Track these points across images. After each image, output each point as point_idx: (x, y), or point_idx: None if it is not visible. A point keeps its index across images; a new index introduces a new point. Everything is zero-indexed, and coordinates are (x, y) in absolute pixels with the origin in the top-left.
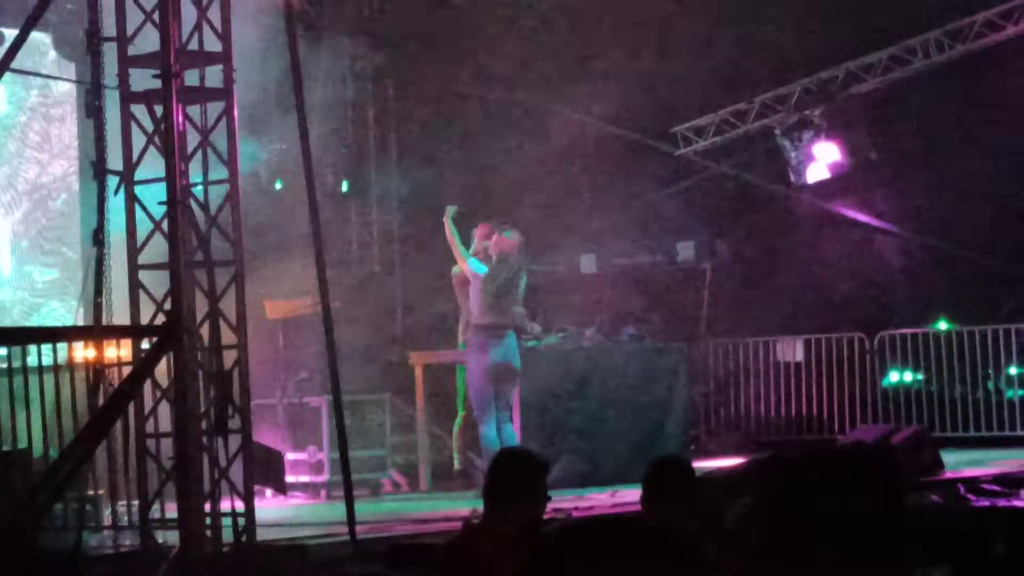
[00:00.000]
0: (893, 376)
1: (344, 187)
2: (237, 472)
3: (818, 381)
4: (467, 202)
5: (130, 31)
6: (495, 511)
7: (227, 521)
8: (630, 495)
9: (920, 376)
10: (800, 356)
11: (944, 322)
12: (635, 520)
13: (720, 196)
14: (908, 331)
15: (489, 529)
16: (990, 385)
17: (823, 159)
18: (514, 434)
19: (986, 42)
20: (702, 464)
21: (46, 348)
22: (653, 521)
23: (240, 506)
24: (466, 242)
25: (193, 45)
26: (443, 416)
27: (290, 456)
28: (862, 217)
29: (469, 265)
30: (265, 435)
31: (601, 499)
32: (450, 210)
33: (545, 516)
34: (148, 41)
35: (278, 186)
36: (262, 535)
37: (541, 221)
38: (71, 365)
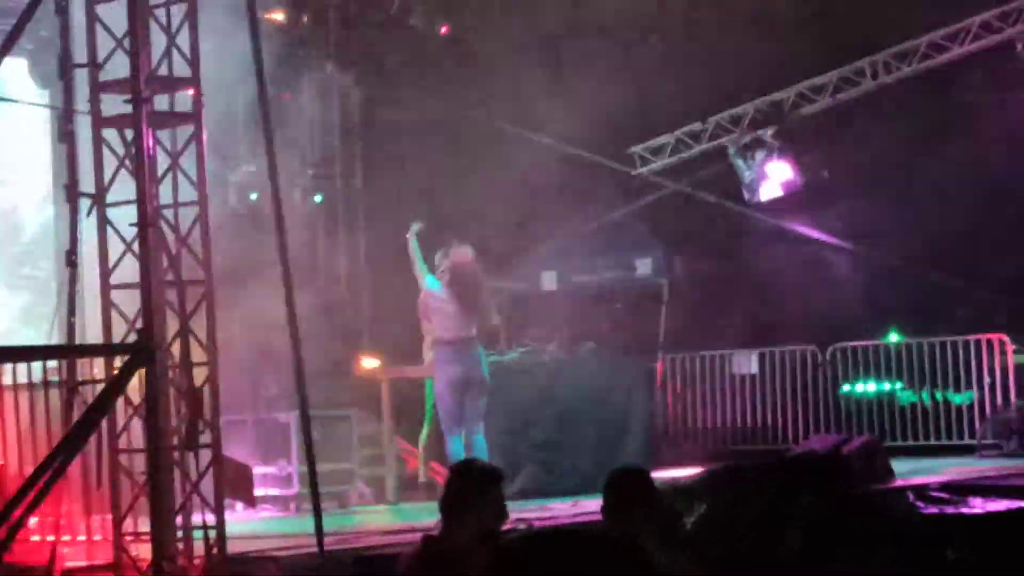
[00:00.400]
0: (845, 388)
1: (318, 199)
2: (208, 486)
3: (772, 393)
4: (431, 221)
5: (101, 57)
6: (451, 522)
7: (198, 534)
8: (591, 505)
9: (873, 387)
10: (755, 369)
11: (895, 334)
12: (593, 530)
13: (677, 214)
14: (859, 343)
15: (446, 540)
16: (938, 396)
17: (776, 177)
18: (484, 446)
19: (932, 63)
20: (661, 474)
21: (21, 366)
22: (613, 530)
23: (211, 519)
24: (431, 259)
25: (163, 70)
26: (409, 430)
27: (259, 470)
28: (814, 233)
29: (425, 281)
30: (235, 450)
31: (563, 509)
32: (414, 227)
33: (507, 526)
34: (119, 67)
35: (253, 197)
36: (233, 547)
37: (503, 240)
38: (45, 383)
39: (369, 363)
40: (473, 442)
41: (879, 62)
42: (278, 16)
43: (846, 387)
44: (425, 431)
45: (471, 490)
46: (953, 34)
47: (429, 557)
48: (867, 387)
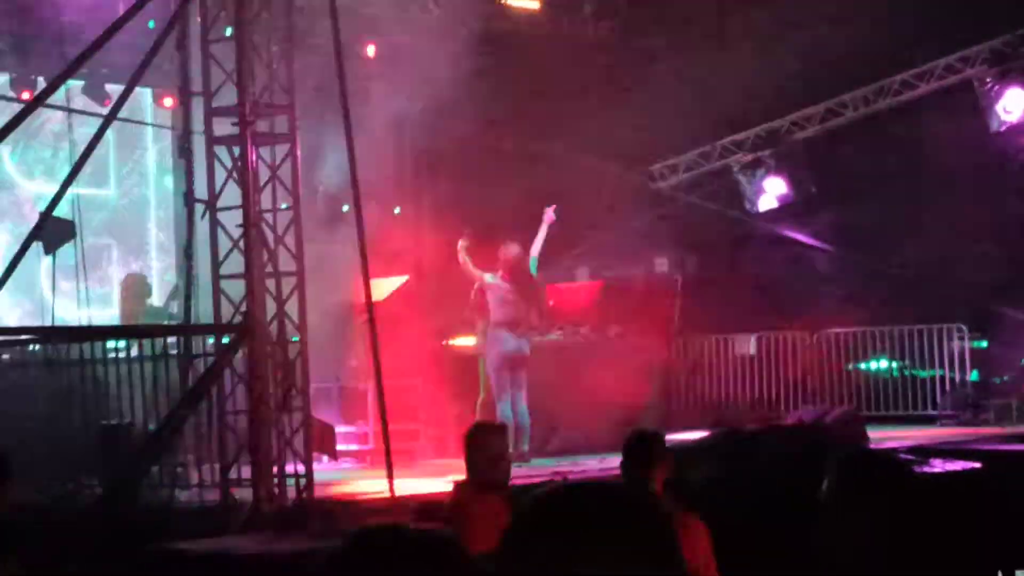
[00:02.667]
0: (828, 366)
1: (397, 210)
2: (299, 442)
3: (767, 370)
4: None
5: (213, 87)
6: (468, 472)
7: (290, 481)
8: (615, 461)
9: (851, 366)
10: (753, 350)
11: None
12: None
13: (689, 221)
14: (840, 330)
15: (470, 487)
16: (907, 374)
17: (772, 192)
18: (526, 411)
19: (903, 98)
20: (673, 436)
21: (146, 342)
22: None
23: (301, 469)
24: (487, 259)
25: (265, 98)
26: (467, 394)
27: (341, 429)
28: (803, 238)
29: (485, 278)
30: (322, 412)
31: (591, 465)
32: (461, 243)
33: (544, 478)
34: (228, 95)
35: (345, 209)
36: (319, 493)
37: (547, 240)
38: (166, 356)
39: (463, 341)
40: (519, 410)
41: (859, 96)
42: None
43: (850, 366)
44: (481, 398)
45: (472, 446)
46: (921, 74)
47: (458, 500)
48: (846, 366)
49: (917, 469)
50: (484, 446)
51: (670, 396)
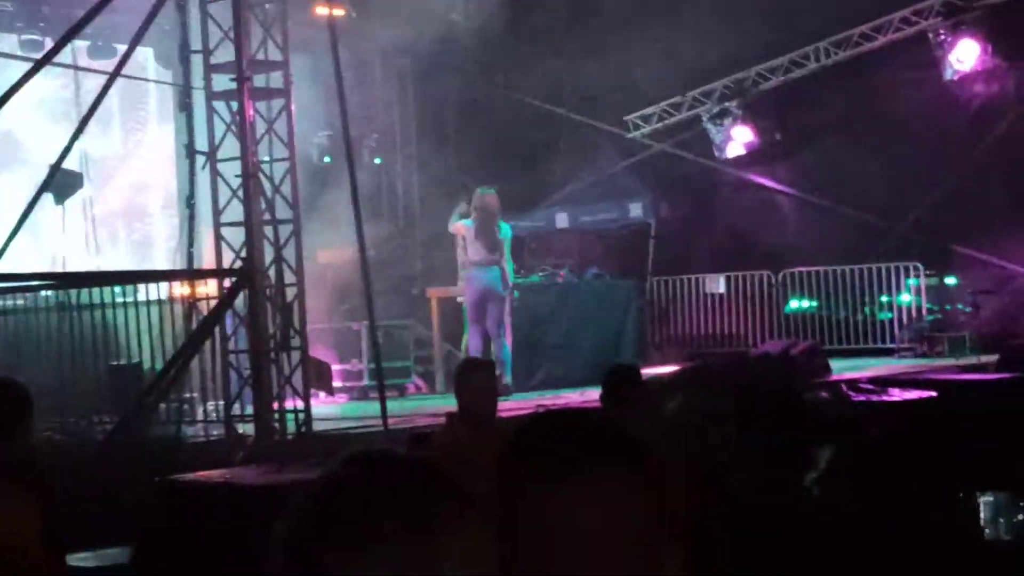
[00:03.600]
0: (793, 304)
1: (377, 160)
2: (297, 379)
3: (736, 308)
4: (473, 176)
5: (212, 45)
6: (460, 406)
7: (290, 416)
8: (595, 394)
9: (815, 303)
10: (722, 288)
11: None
12: (592, 410)
13: (662, 168)
14: (804, 269)
15: (460, 419)
16: (866, 310)
17: (740, 139)
18: (507, 347)
19: (862, 50)
20: (648, 371)
21: (152, 285)
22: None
23: (300, 405)
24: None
25: (260, 56)
26: (453, 335)
27: (337, 367)
28: (769, 183)
29: (462, 225)
30: (318, 351)
31: (572, 398)
32: (454, 216)
33: (528, 410)
34: (226, 53)
35: (327, 160)
36: (317, 427)
37: (528, 189)
38: (171, 299)
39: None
40: (500, 345)
41: (821, 48)
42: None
43: (794, 303)
44: (466, 336)
45: (461, 381)
46: (879, 26)
47: (449, 431)
48: (811, 303)
49: (876, 398)
50: (472, 381)
51: (645, 333)
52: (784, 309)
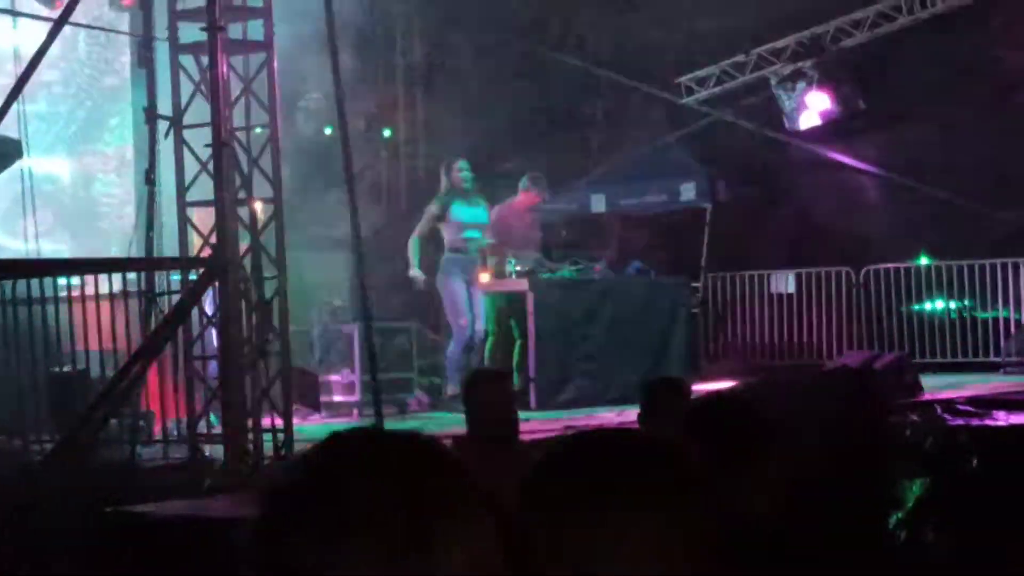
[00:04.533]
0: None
1: (386, 133)
2: (276, 393)
3: (808, 311)
4: (487, 148)
5: None
6: (470, 425)
7: (267, 437)
8: (635, 414)
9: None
10: (792, 288)
11: (925, 257)
12: (633, 431)
13: (720, 141)
14: (891, 265)
15: (471, 442)
16: (966, 315)
17: (815, 107)
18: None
19: (965, 1)
20: (700, 387)
21: (103, 277)
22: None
23: (279, 423)
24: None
25: (237, 1)
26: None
27: (325, 378)
28: (850, 161)
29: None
30: (303, 358)
31: (608, 417)
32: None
33: (557, 432)
34: None
35: (328, 131)
36: (299, 449)
37: (558, 164)
38: (125, 293)
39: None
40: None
41: None
42: None
43: (903, 307)
44: (490, 341)
45: (473, 395)
46: None
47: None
48: (903, 306)
49: (977, 422)
50: (487, 395)
51: (697, 341)
52: (868, 312)
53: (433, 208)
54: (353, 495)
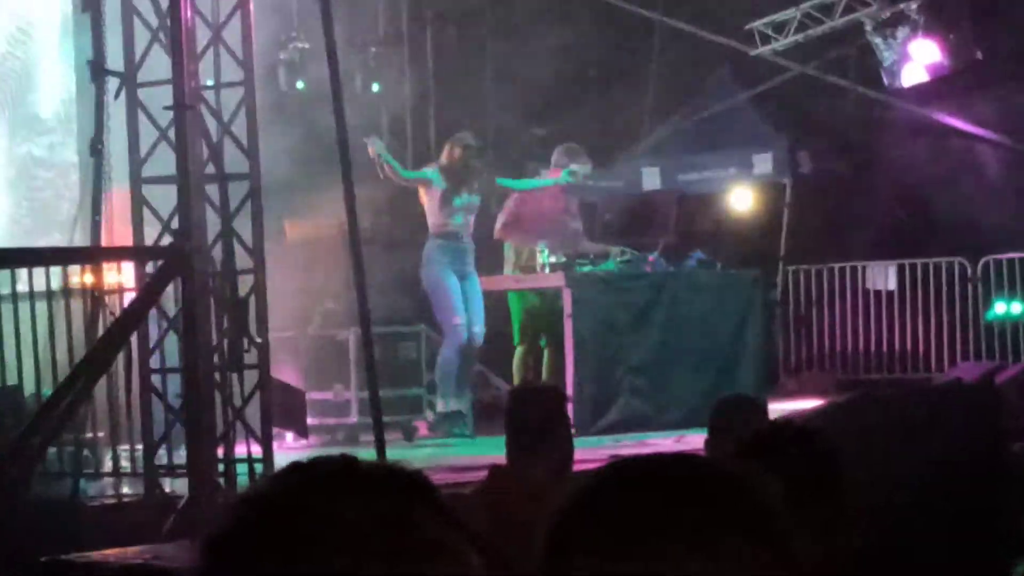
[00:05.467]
0: (999, 307)
1: (375, 88)
2: (254, 413)
3: (913, 312)
4: (514, 111)
5: None
6: (519, 455)
7: (243, 468)
8: (698, 440)
9: None
10: (892, 284)
11: None
12: (694, 458)
13: (803, 102)
14: (1015, 255)
15: (516, 475)
16: None
17: (920, 59)
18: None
19: None
20: (781, 406)
21: (38, 271)
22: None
23: (257, 451)
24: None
25: None
26: (490, 349)
27: (313, 395)
28: (964, 125)
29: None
30: (285, 372)
31: (665, 444)
32: (377, 144)
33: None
34: None
35: (300, 86)
36: (249, 484)
37: (600, 132)
38: (67, 291)
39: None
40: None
41: None
42: None
43: (1000, 307)
44: (520, 350)
45: (541, 416)
46: None
47: (497, 494)
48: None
49: None
50: (535, 415)
51: (775, 349)
52: (985, 315)
53: (431, 176)
54: (311, 541)
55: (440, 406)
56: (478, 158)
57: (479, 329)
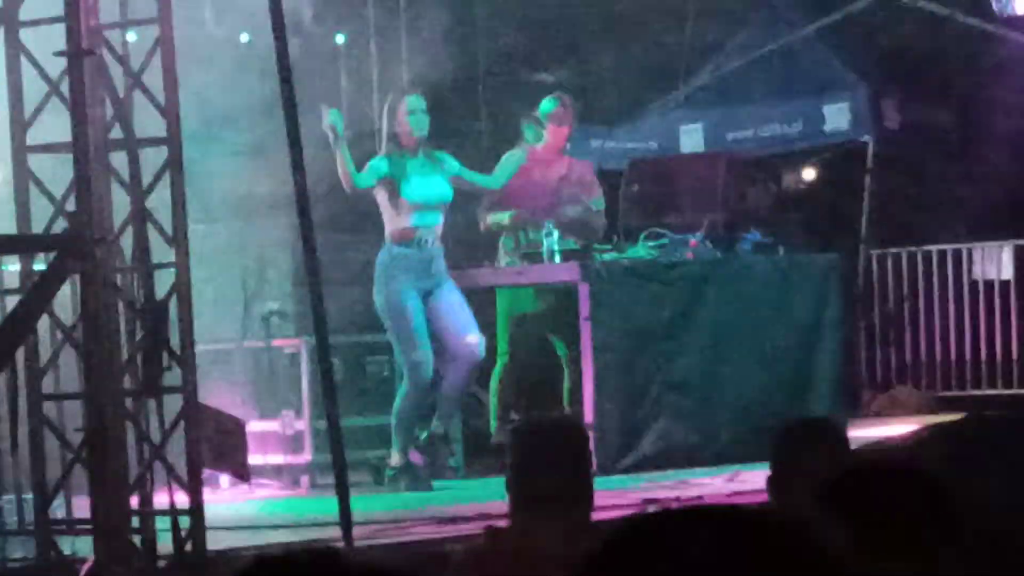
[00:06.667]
0: None
1: (340, 39)
2: (178, 451)
3: None
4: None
5: None
6: (524, 509)
7: (164, 523)
8: (758, 477)
9: None
10: (1008, 272)
11: None
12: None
13: (888, 36)
14: None
15: (520, 534)
16: None
17: None
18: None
19: None
20: (864, 432)
21: None
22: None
23: (183, 501)
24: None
25: None
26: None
27: (255, 426)
28: None
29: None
30: (218, 396)
31: (714, 484)
32: (332, 115)
33: (634, 510)
34: None
35: (244, 39)
36: (215, 542)
37: (625, 81)
38: None
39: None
40: (454, 383)
41: None
42: None
43: None
44: (499, 368)
45: (525, 454)
46: None
47: (496, 558)
48: None
49: None
50: (542, 460)
51: (856, 357)
52: None
53: (382, 167)
54: None
55: (395, 459)
56: (427, 113)
57: (474, 339)
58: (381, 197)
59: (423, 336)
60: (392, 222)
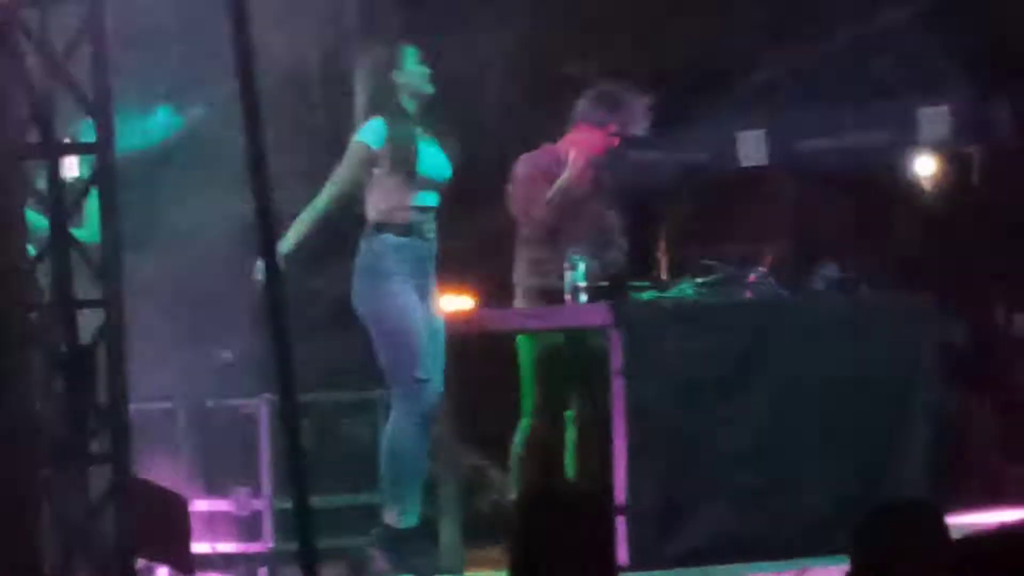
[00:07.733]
0: None
1: None
2: (106, 536)
3: None
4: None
5: None
6: None
7: None
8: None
9: None
10: None
11: None
12: None
13: (996, 19)
14: None
15: None
16: None
17: None
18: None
19: None
20: (968, 519)
21: None
22: None
23: None
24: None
25: None
26: (488, 427)
27: (201, 506)
28: None
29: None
30: (158, 468)
31: None
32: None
33: None
34: None
35: None
36: None
37: (662, 70)
38: None
39: (455, 302)
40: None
41: None
42: None
43: None
44: (525, 423)
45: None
46: None
47: None
48: None
49: None
50: (557, 544)
51: (959, 425)
52: None
53: (368, 139)
54: None
55: (390, 516)
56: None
57: (439, 383)
58: (376, 171)
59: (427, 349)
60: (387, 201)
